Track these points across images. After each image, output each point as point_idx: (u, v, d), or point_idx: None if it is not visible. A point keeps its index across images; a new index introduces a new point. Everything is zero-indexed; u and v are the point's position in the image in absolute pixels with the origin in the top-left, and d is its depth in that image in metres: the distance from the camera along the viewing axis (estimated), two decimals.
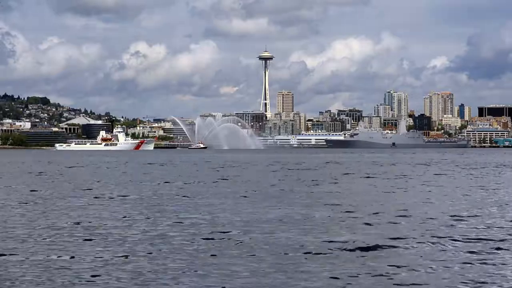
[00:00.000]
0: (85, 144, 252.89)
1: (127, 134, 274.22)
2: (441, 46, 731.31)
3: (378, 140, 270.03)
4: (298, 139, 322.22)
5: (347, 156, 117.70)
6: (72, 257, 12.98)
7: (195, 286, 10.72)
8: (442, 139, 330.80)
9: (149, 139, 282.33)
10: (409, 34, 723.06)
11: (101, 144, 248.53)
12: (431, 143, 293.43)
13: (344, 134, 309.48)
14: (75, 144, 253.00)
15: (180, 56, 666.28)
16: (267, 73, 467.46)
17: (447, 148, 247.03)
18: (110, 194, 29.16)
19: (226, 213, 20.66)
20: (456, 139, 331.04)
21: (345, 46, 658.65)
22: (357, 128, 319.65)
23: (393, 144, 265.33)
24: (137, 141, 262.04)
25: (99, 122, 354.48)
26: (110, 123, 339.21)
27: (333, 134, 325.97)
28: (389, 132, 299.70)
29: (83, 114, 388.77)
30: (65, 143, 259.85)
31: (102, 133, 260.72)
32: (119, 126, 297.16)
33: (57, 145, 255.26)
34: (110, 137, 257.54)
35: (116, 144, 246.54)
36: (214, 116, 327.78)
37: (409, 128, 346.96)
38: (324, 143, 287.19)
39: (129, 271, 11.77)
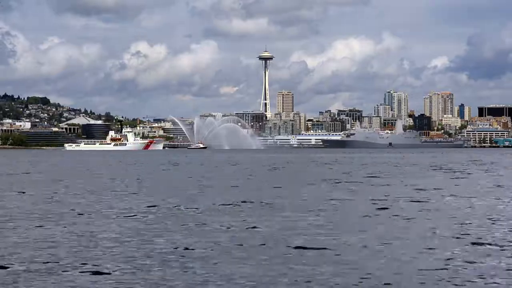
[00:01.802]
0: (95, 144, 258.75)
1: None
2: (441, 46, 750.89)
3: (374, 140, 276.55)
4: (298, 139, 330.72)
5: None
6: None
7: None
8: (439, 139, 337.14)
9: (158, 139, 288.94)
10: (409, 34, 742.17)
11: (110, 144, 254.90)
12: (428, 143, 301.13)
13: (344, 134, 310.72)
14: (85, 144, 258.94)
15: (180, 56, 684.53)
16: (267, 73, 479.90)
17: (444, 148, 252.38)
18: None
19: None
20: (453, 139, 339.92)
21: (345, 46, 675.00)
22: (353, 128, 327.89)
23: (390, 144, 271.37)
24: (146, 141, 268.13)
25: (99, 122, 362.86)
26: (109, 123, 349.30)
27: (332, 134, 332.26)
28: (386, 132, 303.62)
29: (83, 114, 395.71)
30: (74, 143, 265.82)
31: (111, 133, 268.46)
32: (126, 126, 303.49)
33: (66, 145, 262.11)
34: (119, 137, 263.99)
35: (125, 144, 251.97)
36: (214, 116, 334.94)
37: (409, 128, 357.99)
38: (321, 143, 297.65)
39: None
